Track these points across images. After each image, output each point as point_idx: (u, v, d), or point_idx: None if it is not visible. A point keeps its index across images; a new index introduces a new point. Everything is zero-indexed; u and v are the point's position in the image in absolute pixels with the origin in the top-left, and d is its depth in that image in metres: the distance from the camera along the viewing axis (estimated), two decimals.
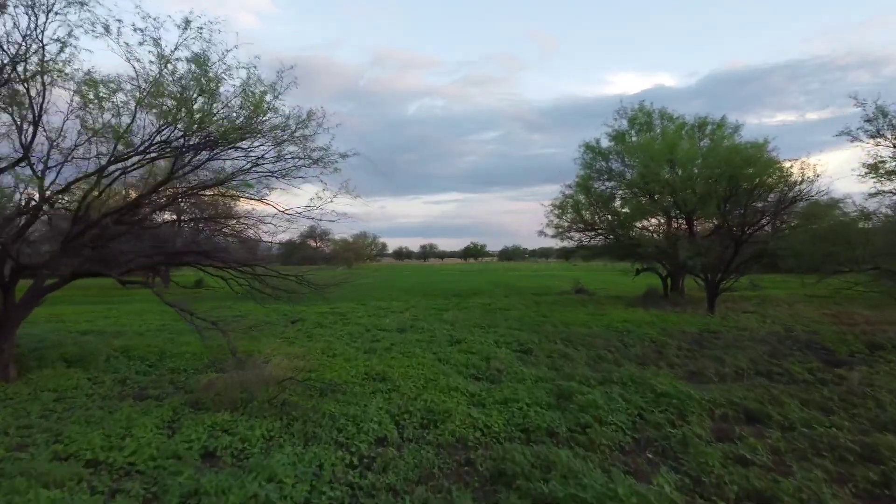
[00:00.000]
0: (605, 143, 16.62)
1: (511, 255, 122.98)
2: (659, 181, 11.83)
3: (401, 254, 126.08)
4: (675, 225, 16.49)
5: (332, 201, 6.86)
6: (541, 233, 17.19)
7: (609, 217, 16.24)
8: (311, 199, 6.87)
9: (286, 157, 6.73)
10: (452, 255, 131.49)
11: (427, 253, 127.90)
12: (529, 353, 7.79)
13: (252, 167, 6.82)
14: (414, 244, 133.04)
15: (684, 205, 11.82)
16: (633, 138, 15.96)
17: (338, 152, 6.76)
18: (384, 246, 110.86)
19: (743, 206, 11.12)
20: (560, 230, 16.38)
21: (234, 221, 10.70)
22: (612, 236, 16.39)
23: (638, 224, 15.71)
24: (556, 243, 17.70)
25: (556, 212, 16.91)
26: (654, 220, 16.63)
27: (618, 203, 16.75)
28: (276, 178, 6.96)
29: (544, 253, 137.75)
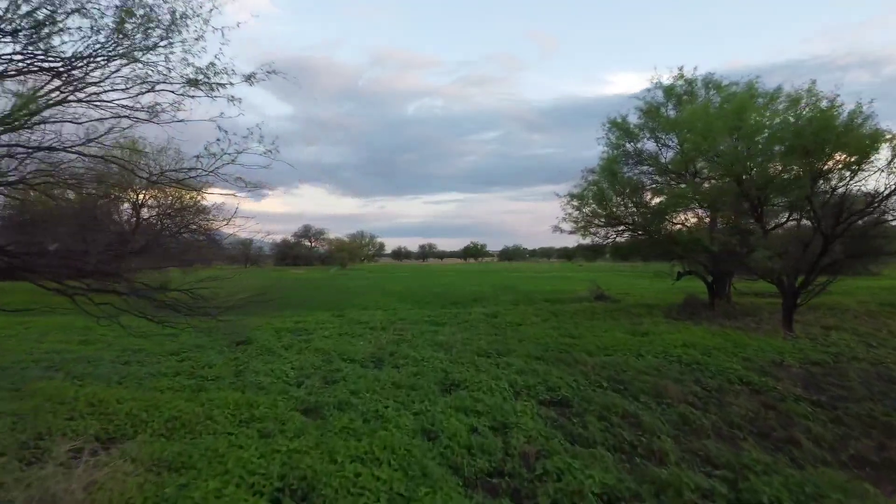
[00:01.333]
0: (633, 119, 13.76)
1: (512, 255, 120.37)
2: (727, 156, 8.93)
3: (399, 254, 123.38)
4: (701, 218, 13.67)
5: (234, 161, 3.99)
6: (556, 228, 14.32)
7: (640, 209, 13.34)
8: (199, 155, 4.01)
9: (146, 76, 3.86)
10: (452, 255, 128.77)
11: (426, 253, 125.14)
12: (568, 411, 4.92)
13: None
14: (414, 244, 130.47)
15: (752, 188, 8.95)
16: (671, 112, 13.11)
17: (237, 71, 3.90)
18: (382, 246, 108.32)
19: (841, 188, 8.25)
20: (580, 225, 13.49)
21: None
22: (641, 232, 13.50)
23: (672, 217, 12.82)
24: (574, 241, 14.85)
25: (575, 203, 14.02)
26: (685, 215, 13.75)
27: (648, 194, 13.87)
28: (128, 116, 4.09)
29: (545, 253, 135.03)
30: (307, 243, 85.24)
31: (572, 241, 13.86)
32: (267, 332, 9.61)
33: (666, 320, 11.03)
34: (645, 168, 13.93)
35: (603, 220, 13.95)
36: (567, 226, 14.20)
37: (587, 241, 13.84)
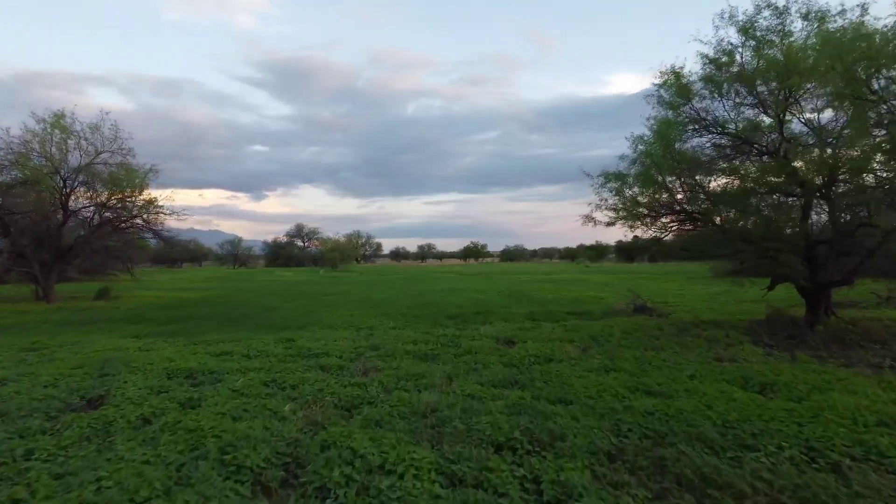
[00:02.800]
0: (691, 69, 10.17)
1: (513, 255, 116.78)
2: None
3: (398, 254, 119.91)
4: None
5: None
6: (587, 219, 10.70)
7: (703, 192, 9.78)
8: None
9: None
10: (452, 255, 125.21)
11: (425, 253, 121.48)
12: None
13: None
14: (413, 245, 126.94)
15: None
16: (748, 57, 9.55)
17: None
18: (379, 246, 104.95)
19: None
20: (621, 214, 9.90)
21: None
22: (705, 222, 9.94)
23: (760, 201, 9.26)
24: (614, 234, 11.29)
25: (613, 185, 10.43)
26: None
27: (708, 172, 10.26)
28: None
29: (547, 253, 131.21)
30: (300, 243, 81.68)
31: (608, 236, 10.06)
32: (153, 375, 6.03)
33: (767, 352, 7.44)
34: (711, 137, 10.35)
35: (644, 207, 10.39)
36: (603, 215, 10.63)
37: (637, 233, 10.24)
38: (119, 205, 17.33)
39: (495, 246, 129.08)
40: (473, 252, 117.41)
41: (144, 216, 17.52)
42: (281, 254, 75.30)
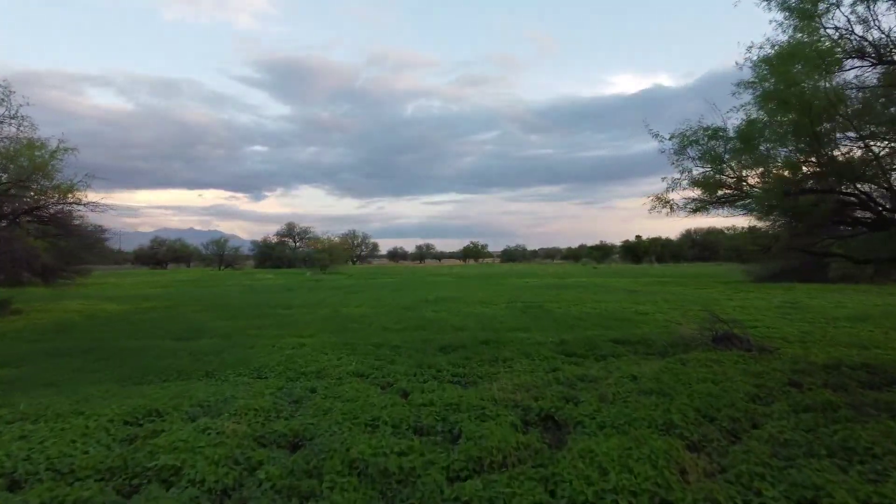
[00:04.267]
0: None
1: (514, 255, 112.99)
2: None
3: (395, 254, 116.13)
4: None
5: None
6: (660, 202, 6.90)
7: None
8: None
9: None
10: (451, 255, 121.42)
11: (423, 254, 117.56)
12: None
13: None
14: (412, 245, 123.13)
15: None
16: None
17: None
18: (375, 246, 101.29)
19: None
20: (721, 187, 6.06)
21: None
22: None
23: None
24: (684, 223, 7.46)
25: (699, 150, 6.61)
26: None
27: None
28: None
29: (548, 254, 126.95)
30: (291, 243, 77.79)
31: (760, 220, 6.04)
32: None
33: None
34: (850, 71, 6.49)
35: (730, 184, 6.55)
36: (680, 196, 6.77)
37: (749, 221, 6.39)
38: (19, 193, 13.43)
39: (495, 246, 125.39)
40: (473, 252, 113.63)
41: (52, 209, 13.60)
42: (271, 254, 71.46)
